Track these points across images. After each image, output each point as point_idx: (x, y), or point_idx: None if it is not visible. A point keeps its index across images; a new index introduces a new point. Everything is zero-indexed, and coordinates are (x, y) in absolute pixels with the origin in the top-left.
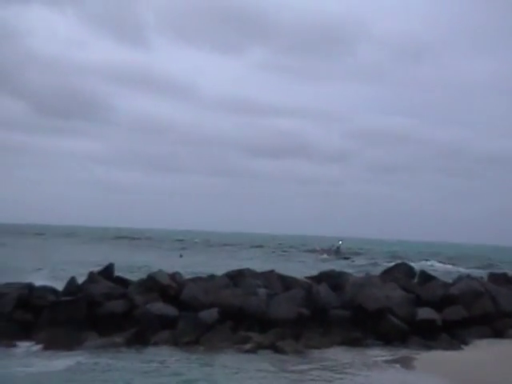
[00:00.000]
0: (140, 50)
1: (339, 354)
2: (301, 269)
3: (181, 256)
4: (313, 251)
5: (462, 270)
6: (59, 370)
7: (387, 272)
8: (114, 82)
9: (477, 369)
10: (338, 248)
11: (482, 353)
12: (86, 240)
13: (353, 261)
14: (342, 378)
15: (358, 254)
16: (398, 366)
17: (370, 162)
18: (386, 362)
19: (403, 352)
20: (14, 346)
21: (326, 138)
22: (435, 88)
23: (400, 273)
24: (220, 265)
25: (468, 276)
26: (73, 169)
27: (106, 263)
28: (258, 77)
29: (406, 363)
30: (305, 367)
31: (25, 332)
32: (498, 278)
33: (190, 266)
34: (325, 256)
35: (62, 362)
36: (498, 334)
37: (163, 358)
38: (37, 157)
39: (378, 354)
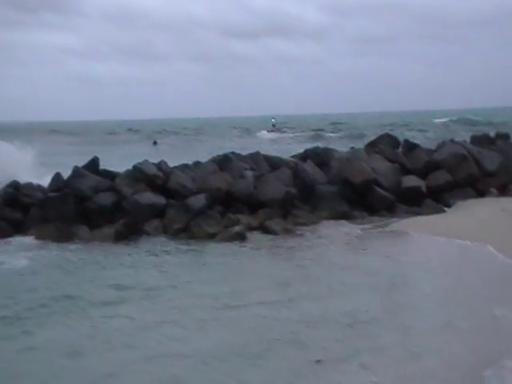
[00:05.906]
0: None
1: (325, 228)
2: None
3: (155, 143)
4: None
5: None
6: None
7: (372, 144)
8: None
9: (452, 227)
10: (274, 126)
11: (462, 213)
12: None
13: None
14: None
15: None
16: (374, 231)
17: (348, 35)
18: (366, 228)
19: (388, 220)
20: (7, 242)
21: (302, 13)
22: None
23: (384, 144)
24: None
25: (451, 140)
26: (45, 63)
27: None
28: None
29: (383, 228)
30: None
31: (15, 230)
32: (481, 140)
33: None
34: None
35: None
36: (481, 194)
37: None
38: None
39: (363, 223)
